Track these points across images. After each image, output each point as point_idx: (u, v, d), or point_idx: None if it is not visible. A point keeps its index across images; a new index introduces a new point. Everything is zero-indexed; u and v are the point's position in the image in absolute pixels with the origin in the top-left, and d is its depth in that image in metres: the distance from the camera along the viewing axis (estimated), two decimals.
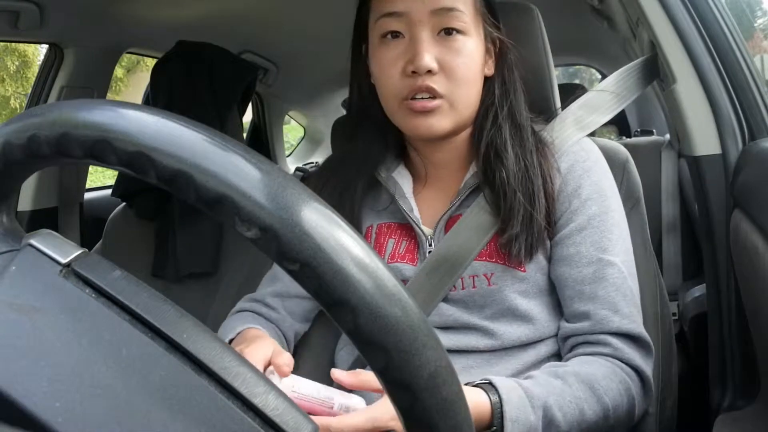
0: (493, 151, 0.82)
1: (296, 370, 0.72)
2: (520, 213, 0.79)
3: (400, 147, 0.92)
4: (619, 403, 0.75)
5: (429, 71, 0.78)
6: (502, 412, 0.68)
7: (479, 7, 0.83)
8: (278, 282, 0.93)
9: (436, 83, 0.79)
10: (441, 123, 0.81)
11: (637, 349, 0.79)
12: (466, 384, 0.70)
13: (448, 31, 0.80)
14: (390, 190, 0.88)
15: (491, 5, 0.86)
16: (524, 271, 0.81)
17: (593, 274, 0.80)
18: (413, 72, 0.78)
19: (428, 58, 0.78)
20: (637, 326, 0.80)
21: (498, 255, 0.82)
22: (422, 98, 0.79)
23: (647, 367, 0.79)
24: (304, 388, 0.69)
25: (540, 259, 0.82)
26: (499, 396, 0.69)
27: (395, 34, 0.81)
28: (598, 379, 0.74)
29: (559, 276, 0.82)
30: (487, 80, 0.86)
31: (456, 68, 0.80)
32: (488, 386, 0.70)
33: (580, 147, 0.86)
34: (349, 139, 0.93)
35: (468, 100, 0.82)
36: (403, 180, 0.88)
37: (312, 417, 0.59)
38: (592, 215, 0.81)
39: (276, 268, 0.94)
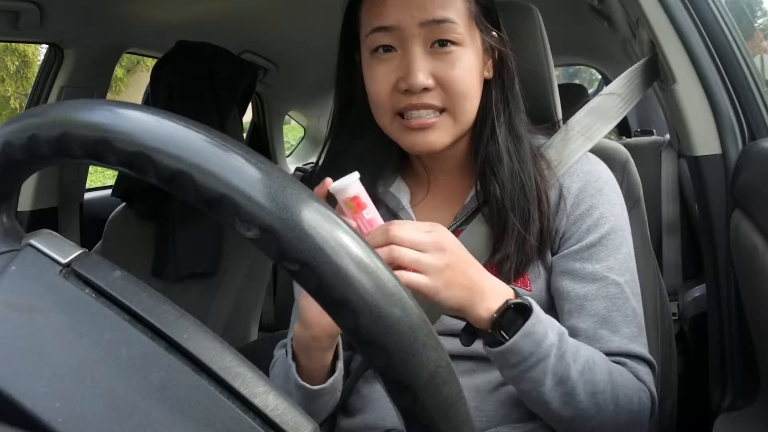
0: (490, 165, 0.80)
1: None
2: (514, 235, 0.78)
3: (399, 157, 0.89)
4: (631, 394, 0.74)
5: (425, 89, 0.76)
6: (531, 305, 0.69)
7: (474, 13, 0.79)
8: None
9: (434, 99, 0.77)
10: (441, 138, 0.79)
11: (639, 365, 0.77)
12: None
13: (442, 43, 0.77)
14: (389, 205, 0.86)
15: (487, 7, 0.82)
16: (531, 290, 0.80)
17: (596, 291, 0.78)
18: (407, 90, 0.76)
19: (422, 76, 0.75)
20: (638, 346, 0.78)
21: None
22: (419, 116, 0.77)
23: (651, 386, 0.77)
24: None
25: (544, 276, 0.81)
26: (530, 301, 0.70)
27: (387, 48, 0.78)
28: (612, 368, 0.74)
29: (560, 288, 0.80)
30: (486, 83, 0.83)
31: (453, 82, 0.77)
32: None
33: (591, 167, 0.85)
34: (346, 150, 0.88)
35: (470, 111, 0.80)
36: (400, 193, 0.87)
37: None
38: (603, 234, 0.80)
39: (294, 312, 0.91)
